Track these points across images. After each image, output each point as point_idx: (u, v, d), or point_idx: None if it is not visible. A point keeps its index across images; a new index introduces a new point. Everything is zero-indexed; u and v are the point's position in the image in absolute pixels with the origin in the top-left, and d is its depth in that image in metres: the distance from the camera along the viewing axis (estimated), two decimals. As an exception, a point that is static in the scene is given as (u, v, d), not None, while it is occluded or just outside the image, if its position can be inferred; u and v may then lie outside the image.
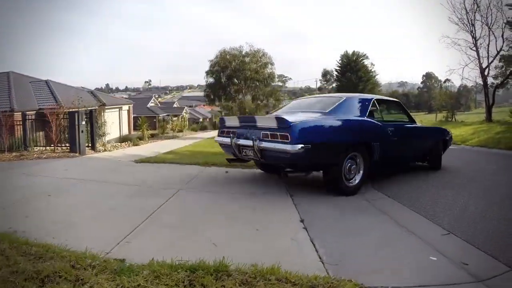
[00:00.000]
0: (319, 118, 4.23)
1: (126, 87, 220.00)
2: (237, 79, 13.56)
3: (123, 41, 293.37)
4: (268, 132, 3.90)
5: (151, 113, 34.40)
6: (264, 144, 3.90)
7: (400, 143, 4.93)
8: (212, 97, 14.72)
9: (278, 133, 3.77)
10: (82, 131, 7.91)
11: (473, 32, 20.69)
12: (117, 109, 23.03)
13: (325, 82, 61.18)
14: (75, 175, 5.39)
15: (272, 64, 14.50)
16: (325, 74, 62.23)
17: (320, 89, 65.55)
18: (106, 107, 20.33)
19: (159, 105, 39.96)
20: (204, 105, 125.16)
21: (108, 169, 6.18)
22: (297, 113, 4.54)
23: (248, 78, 13.63)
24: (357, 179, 4.26)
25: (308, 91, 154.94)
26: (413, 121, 5.74)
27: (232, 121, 4.78)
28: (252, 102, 15.10)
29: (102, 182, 4.99)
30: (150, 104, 36.92)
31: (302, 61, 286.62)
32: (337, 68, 46.63)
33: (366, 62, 43.36)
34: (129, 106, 30.04)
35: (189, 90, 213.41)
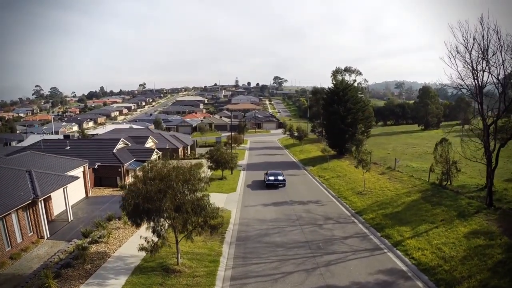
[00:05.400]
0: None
1: (121, 90, 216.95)
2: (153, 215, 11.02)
3: (117, 42, 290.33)
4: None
5: (115, 161, 31.83)
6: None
7: None
8: (136, 220, 12.11)
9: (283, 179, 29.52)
10: None
11: (479, 80, 17.10)
12: (62, 188, 20.41)
13: (315, 102, 58.15)
14: None
15: (201, 191, 11.85)
16: (315, 92, 59.25)
17: (311, 107, 62.72)
18: (43, 196, 17.83)
19: (129, 144, 37.17)
20: (195, 113, 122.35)
21: None
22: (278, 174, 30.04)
23: (168, 216, 11.07)
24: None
25: (304, 94, 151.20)
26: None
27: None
28: (181, 232, 12.52)
29: None
30: (118, 146, 34.17)
31: (299, 59, 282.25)
32: (325, 96, 43.54)
33: (359, 79, 39.90)
34: (84, 167, 27.29)
35: (184, 94, 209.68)
